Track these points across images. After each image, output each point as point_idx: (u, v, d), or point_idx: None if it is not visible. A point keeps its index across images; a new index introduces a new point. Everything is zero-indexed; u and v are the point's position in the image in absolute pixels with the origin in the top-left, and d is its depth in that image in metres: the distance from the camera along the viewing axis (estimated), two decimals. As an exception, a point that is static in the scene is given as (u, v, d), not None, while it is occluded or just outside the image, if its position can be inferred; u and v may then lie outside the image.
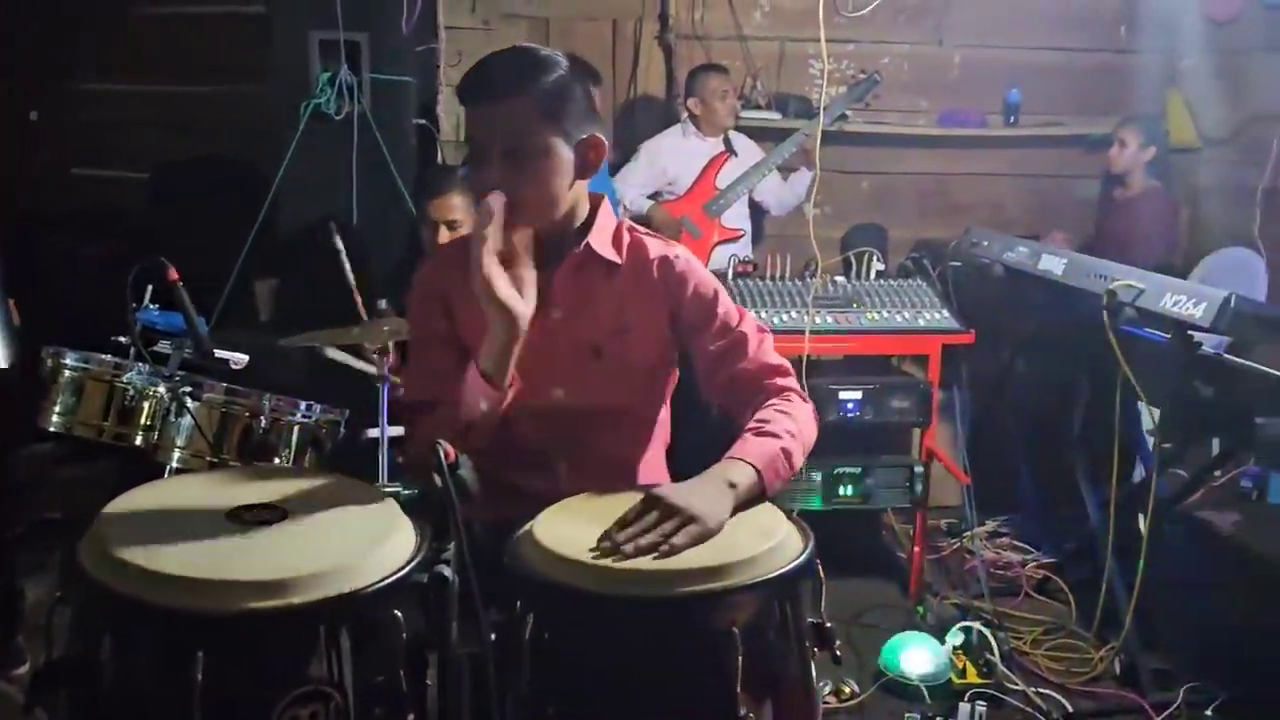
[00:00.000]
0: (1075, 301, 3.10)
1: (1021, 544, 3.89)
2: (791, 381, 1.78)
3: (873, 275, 3.61)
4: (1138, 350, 2.94)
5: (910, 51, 4.69)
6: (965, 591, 3.52)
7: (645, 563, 1.30)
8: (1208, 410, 2.84)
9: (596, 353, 1.74)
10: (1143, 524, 3.01)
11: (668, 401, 1.90)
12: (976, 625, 3.08)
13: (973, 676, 2.96)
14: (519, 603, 1.31)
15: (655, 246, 1.81)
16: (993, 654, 3.01)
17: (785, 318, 3.32)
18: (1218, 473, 3.80)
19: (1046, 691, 2.97)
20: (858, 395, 3.30)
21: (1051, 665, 3.12)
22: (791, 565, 1.32)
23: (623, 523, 1.39)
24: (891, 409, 3.34)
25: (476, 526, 1.55)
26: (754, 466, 1.55)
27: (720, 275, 3.72)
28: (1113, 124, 4.37)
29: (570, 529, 1.40)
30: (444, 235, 2.95)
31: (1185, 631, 3.21)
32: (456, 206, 2.96)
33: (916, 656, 2.94)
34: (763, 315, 3.31)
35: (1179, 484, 3.39)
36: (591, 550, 1.33)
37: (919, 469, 3.36)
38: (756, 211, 4.37)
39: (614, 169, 4.19)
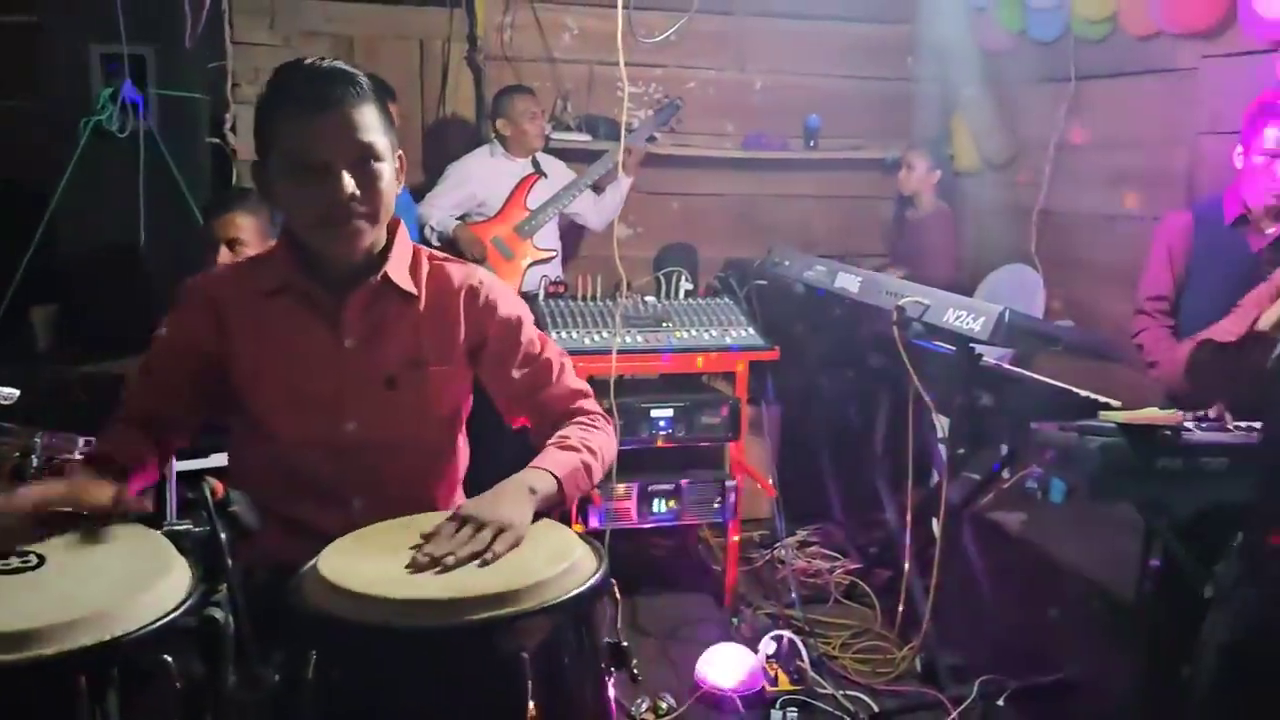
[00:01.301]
0: (870, 317, 3.25)
1: (830, 551, 4.03)
2: (594, 404, 1.79)
3: (682, 294, 3.69)
4: (927, 363, 3.10)
5: (715, 77, 4.84)
6: (777, 601, 3.62)
7: (432, 591, 1.27)
8: (990, 418, 3.02)
9: (390, 384, 1.68)
10: (936, 528, 3.17)
11: (464, 428, 1.87)
12: (787, 634, 3.17)
13: (784, 684, 3.04)
14: (301, 640, 1.26)
15: (458, 274, 1.76)
16: (803, 660, 3.10)
17: (596, 338, 3.34)
18: (1006, 475, 4.06)
19: (854, 693, 3.08)
20: (669, 413, 3.35)
21: (859, 667, 3.24)
22: (583, 587, 1.32)
23: (435, 538, 1.38)
24: (702, 425, 3.41)
25: (260, 571, 1.49)
26: (555, 475, 1.56)
27: (532, 296, 3.73)
28: (904, 148, 4.63)
29: (357, 561, 1.35)
30: (224, 255, 2.82)
31: (979, 627, 3.39)
32: (242, 226, 2.84)
33: (730, 667, 3.00)
34: (573, 335, 3.32)
35: (970, 488, 3.60)
36: (408, 566, 1.32)
37: (730, 483, 3.43)
38: (569, 231, 4.39)
39: (423, 191, 4.12)
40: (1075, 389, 2.85)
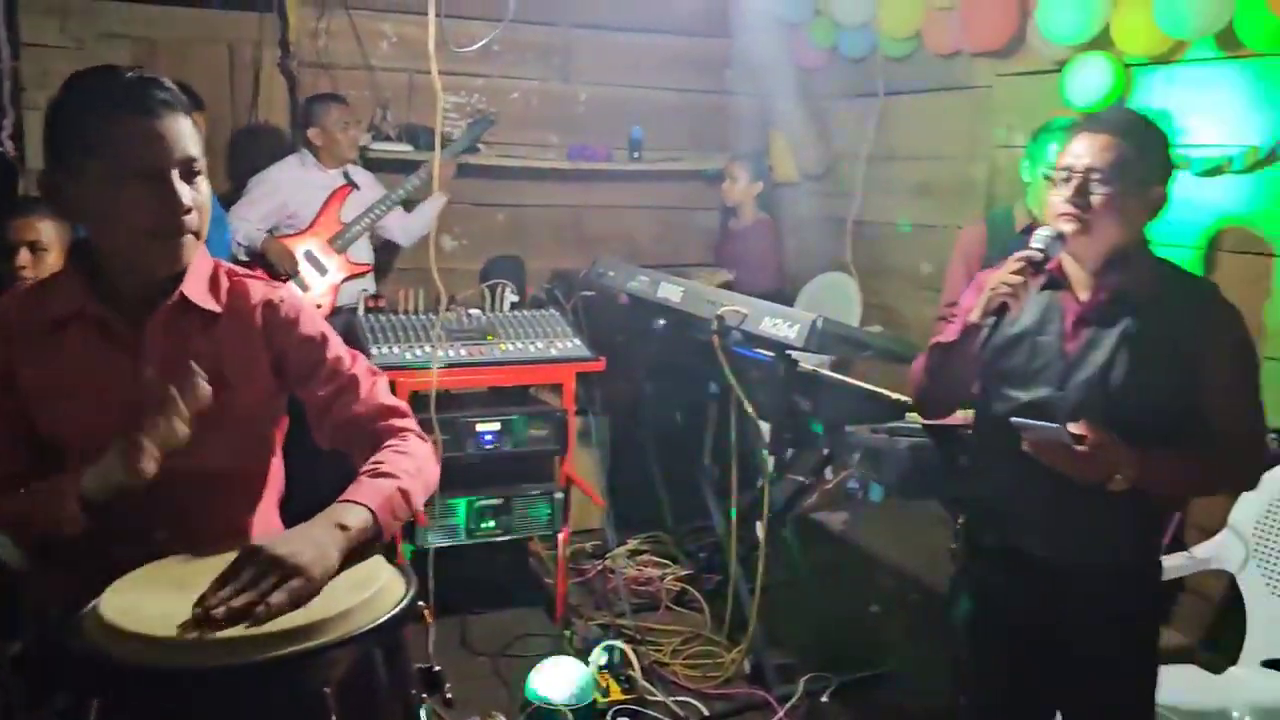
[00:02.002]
0: (693, 326, 3.30)
1: (661, 559, 4.07)
2: (409, 422, 1.73)
3: (507, 307, 3.65)
4: (749, 370, 3.17)
5: (538, 87, 4.82)
6: (609, 611, 3.62)
7: (229, 630, 1.20)
8: (809, 422, 3.11)
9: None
10: (760, 531, 3.24)
11: (278, 451, 1.79)
12: (618, 643, 3.17)
13: (616, 694, 3.05)
14: (84, 686, 1.17)
15: (258, 290, 1.69)
16: (634, 669, 3.11)
17: (419, 352, 3.26)
18: (829, 476, 4.20)
19: (685, 699, 3.11)
20: (495, 426, 3.31)
21: (689, 673, 3.28)
22: (389, 615, 1.27)
23: (220, 584, 1.29)
24: (530, 438, 3.38)
25: (54, 611, 1.38)
26: (368, 508, 1.49)
27: (351, 311, 3.62)
28: (726, 160, 4.73)
29: (144, 599, 1.27)
30: (24, 257, 2.63)
31: (804, 626, 3.50)
32: (42, 229, 2.65)
33: (561, 681, 2.97)
34: (395, 351, 3.24)
35: (793, 490, 3.70)
36: (190, 615, 1.22)
37: (559, 495, 3.42)
38: (386, 244, 4.29)
39: (235, 203, 3.94)
40: (887, 392, 2.97)
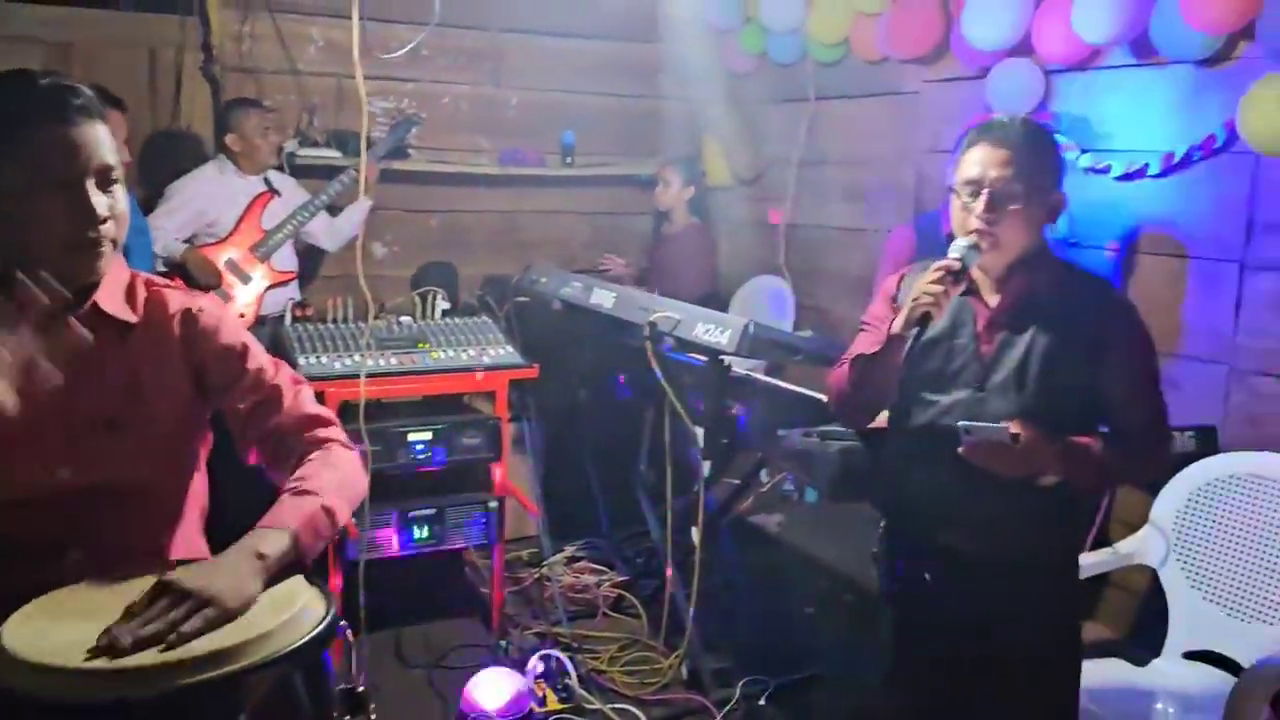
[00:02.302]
0: (626, 332, 3.29)
1: (598, 565, 4.05)
2: (335, 431, 1.69)
3: (438, 314, 3.60)
4: (683, 375, 3.17)
5: (469, 92, 4.78)
6: (546, 619, 3.59)
7: (140, 658, 1.16)
8: (742, 426, 3.12)
9: (109, 425, 1.53)
10: (695, 535, 3.24)
11: (202, 467, 1.74)
12: (555, 652, 3.15)
13: (553, 703, 3.02)
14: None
15: (176, 299, 1.64)
16: (571, 678, 3.09)
17: (348, 362, 3.21)
18: (765, 479, 4.22)
19: (623, 706, 3.10)
20: (427, 436, 3.27)
21: (626, 679, 3.26)
22: (308, 636, 1.24)
23: (129, 615, 1.24)
24: (463, 447, 3.34)
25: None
26: (289, 531, 1.45)
27: (277, 320, 3.55)
28: (658, 165, 4.73)
29: (49, 628, 1.22)
30: None
31: (741, 629, 3.51)
32: None
33: (497, 691, 2.94)
34: (323, 360, 3.18)
35: (729, 494, 3.71)
36: (92, 648, 1.18)
37: (493, 504, 3.38)
38: (313, 252, 4.22)
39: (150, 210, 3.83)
40: (819, 395, 2.99)
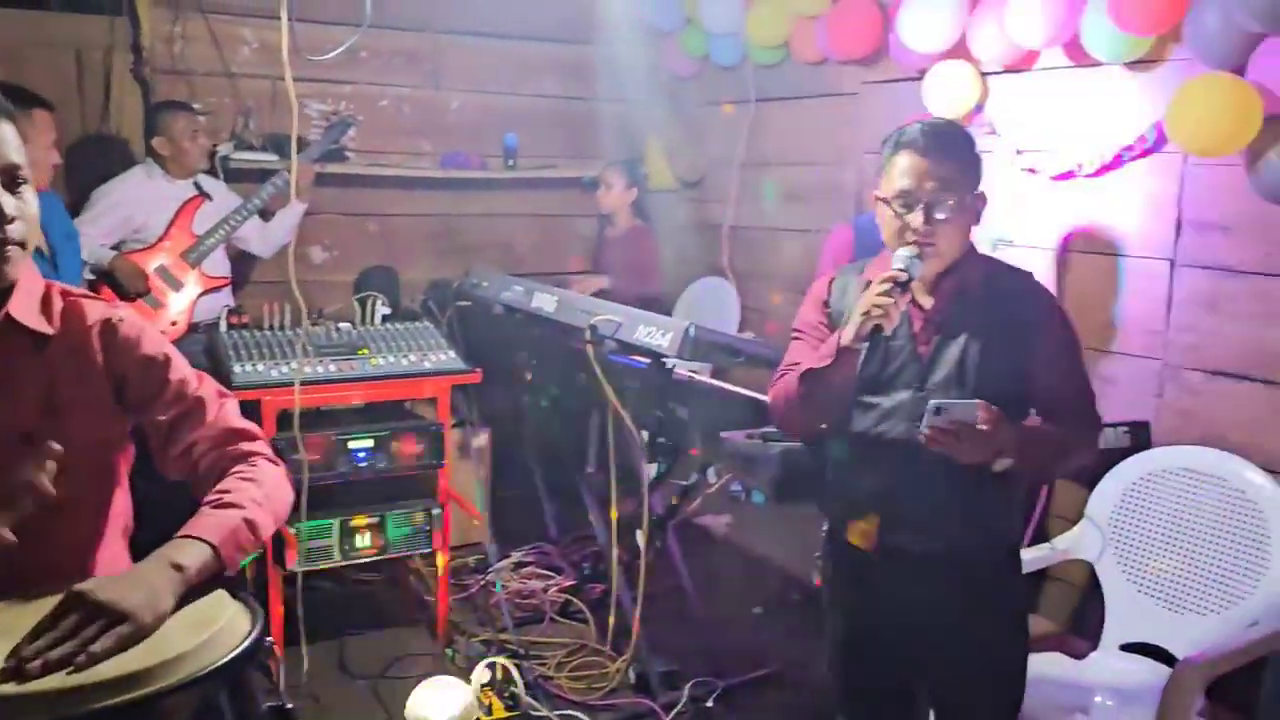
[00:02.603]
0: (568, 336, 3.27)
1: (545, 570, 4.03)
2: (260, 445, 1.65)
3: (378, 319, 3.56)
4: (627, 378, 3.16)
5: (409, 94, 4.72)
6: (492, 626, 3.56)
7: (46, 683, 1.12)
8: (686, 429, 3.12)
9: (26, 440, 1.49)
10: (640, 539, 3.23)
11: (124, 483, 1.69)
12: (501, 659, 3.12)
13: (499, 711, 3.00)
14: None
15: (95, 310, 1.59)
16: (517, 685, 3.07)
17: (285, 370, 3.15)
18: (712, 480, 4.22)
19: (570, 712, 3.08)
20: (368, 443, 3.22)
21: (574, 685, 3.24)
22: (232, 654, 1.21)
23: (36, 633, 1.20)
24: (405, 454, 3.29)
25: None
26: (208, 542, 1.41)
27: (212, 327, 3.48)
28: (601, 168, 4.72)
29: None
30: None
31: (688, 631, 3.51)
32: None
33: (442, 701, 2.90)
34: (259, 369, 3.13)
35: (674, 496, 3.70)
36: (9, 657, 1.14)
37: (436, 511, 3.34)
38: (246, 257, 4.14)
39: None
40: (762, 396, 2.99)
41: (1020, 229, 3.33)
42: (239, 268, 4.13)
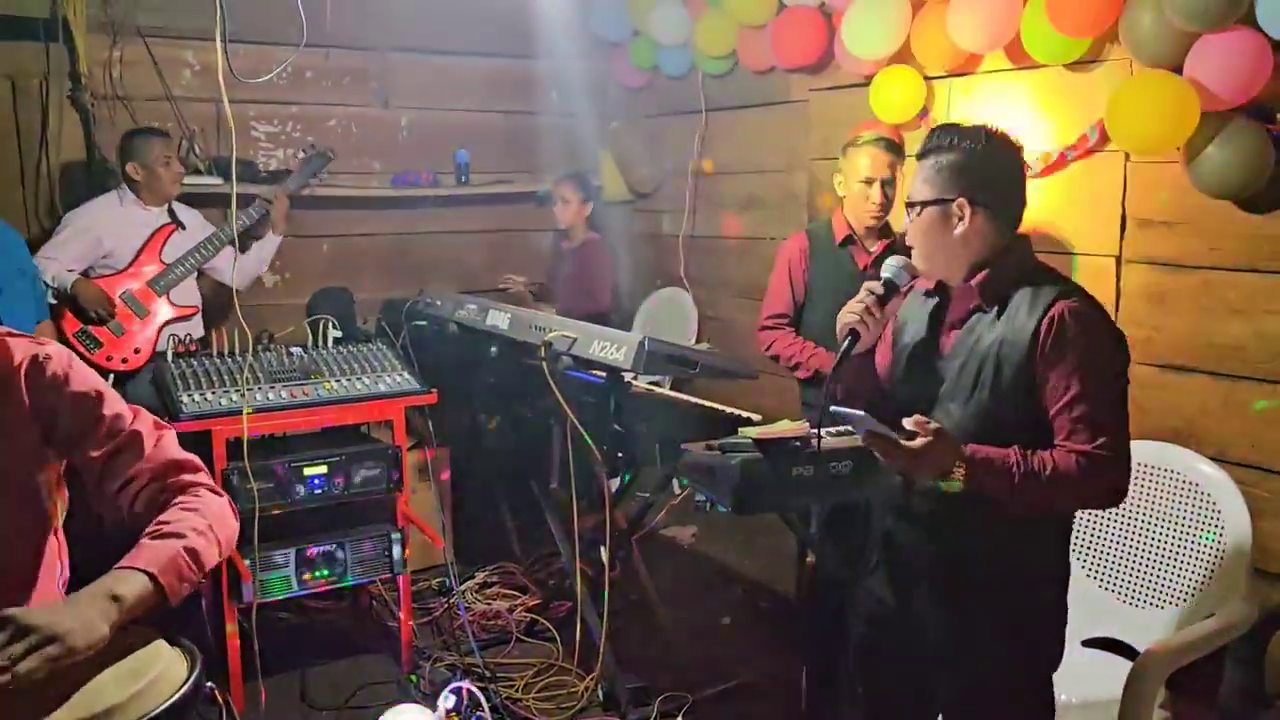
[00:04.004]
0: (523, 353, 3.24)
1: (510, 590, 3.98)
2: (201, 476, 1.62)
3: (330, 343, 3.51)
4: (585, 393, 3.13)
5: (357, 114, 4.68)
6: (457, 650, 3.51)
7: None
8: (645, 442, 3.10)
9: None
10: (604, 555, 3.20)
11: (58, 529, 1.64)
12: (466, 684, 3.07)
13: (466, 736, 2.95)
14: None
15: (21, 348, 1.56)
16: (484, 710, 3.02)
17: (235, 397, 3.09)
18: (677, 491, 4.20)
19: (538, 733, 3.05)
20: (323, 470, 3.16)
21: (543, 705, 3.20)
22: (168, 702, 1.17)
23: None
24: (362, 479, 3.24)
25: None
26: (147, 572, 1.38)
27: (160, 356, 3.41)
28: (554, 182, 4.69)
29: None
30: None
31: (656, 645, 3.48)
32: None
33: (407, 730, 2.86)
34: (208, 397, 3.07)
35: (638, 510, 3.68)
36: None
37: (395, 536, 3.29)
38: (217, 286, 4.08)
39: (38, 245, 3.64)
40: (721, 407, 2.98)
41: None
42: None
